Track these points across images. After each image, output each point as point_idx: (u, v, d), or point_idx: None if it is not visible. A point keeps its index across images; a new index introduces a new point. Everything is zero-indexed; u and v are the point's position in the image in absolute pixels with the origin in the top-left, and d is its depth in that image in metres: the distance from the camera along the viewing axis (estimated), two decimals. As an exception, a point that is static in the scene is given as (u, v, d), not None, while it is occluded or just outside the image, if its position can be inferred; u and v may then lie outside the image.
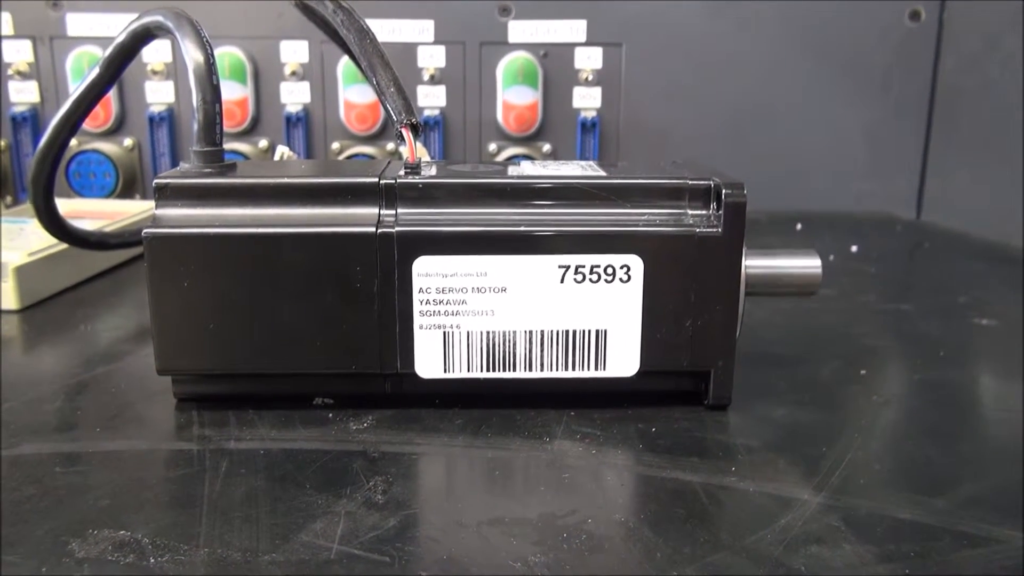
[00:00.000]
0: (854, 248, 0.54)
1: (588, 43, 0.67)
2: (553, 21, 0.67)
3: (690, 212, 0.29)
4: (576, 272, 0.28)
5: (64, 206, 0.39)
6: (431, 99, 0.67)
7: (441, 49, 0.67)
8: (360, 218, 0.28)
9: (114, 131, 0.67)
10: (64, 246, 0.41)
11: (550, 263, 0.28)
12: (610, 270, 0.28)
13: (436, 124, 0.67)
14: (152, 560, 0.21)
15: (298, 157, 0.65)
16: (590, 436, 0.28)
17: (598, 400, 0.30)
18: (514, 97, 0.67)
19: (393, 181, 0.28)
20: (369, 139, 0.68)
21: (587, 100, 0.68)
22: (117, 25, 0.66)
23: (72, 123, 0.35)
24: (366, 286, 0.28)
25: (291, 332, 0.28)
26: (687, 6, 0.67)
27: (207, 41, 0.31)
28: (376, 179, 0.29)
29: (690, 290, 0.28)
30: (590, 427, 0.28)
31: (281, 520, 0.23)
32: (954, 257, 0.54)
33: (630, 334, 0.29)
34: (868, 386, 0.32)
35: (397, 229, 0.28)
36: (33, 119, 0.66)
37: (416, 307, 0.28)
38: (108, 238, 0.41)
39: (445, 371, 0.29)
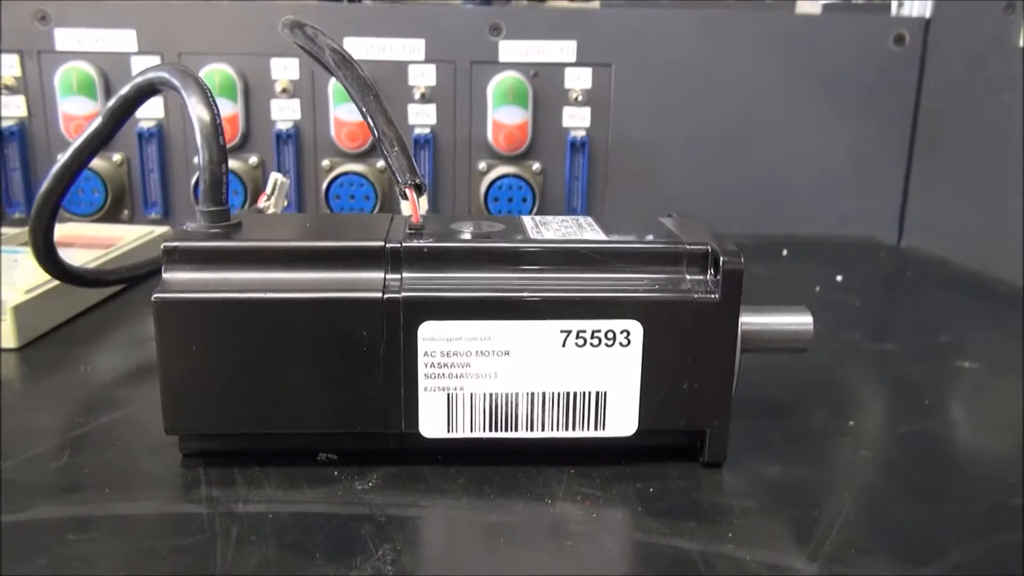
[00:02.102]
0: (839, 278, 0.55)
1: (578, 63, 0.68)
2: (543, 41, 0.67)
3: (688, 277, 0.30)
4: (578, 336, 0.29)
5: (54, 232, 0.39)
6: (421, 117, 0.68)
7: (432, 68, 0.67)
8: (366, 283, 0.29)
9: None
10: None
11: (552, 328, 0.29)
12: (611, 335, 0.29)
13: (427, 142, 0.68)
14: (171, 642, 0.21)
15: (290, 179, 0.66)
16: (590, 497, 0.29)
17: (596, 455, 0.31)
18: (504, 116, 0.67)
19: (399, 245, 0.29)
20: (359, 157, 0.68)
21: (576, 120, 0.69)
22: (106, 41, 0.66)
23: (73, 171, 0.35)
24: (372, 349, 0.29)
25: (299, 393, 0.29)
26: (676, 29, 0.68)
27: (213, 100, 0.31)
28: (382, 243, 0.29)
29: (688, 354, 0.29)
30: (590, 487, 0.29)
31: (295, 595, 0.23)
32: (935, 289, 0.56)
33: (629, 396, 0.29)
34: (856, 438, 0.33)
35: (403, 295, 0.28)
36: (21, 133, 0.66)
37: (421, 370, 0.29)
38: (105, 275, 0.42)
39: (448, 431, 0.29)
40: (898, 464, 0.32)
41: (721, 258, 0.29)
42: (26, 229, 0.52)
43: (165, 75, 0.32)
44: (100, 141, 0.34)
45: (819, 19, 0.71)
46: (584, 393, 0.29)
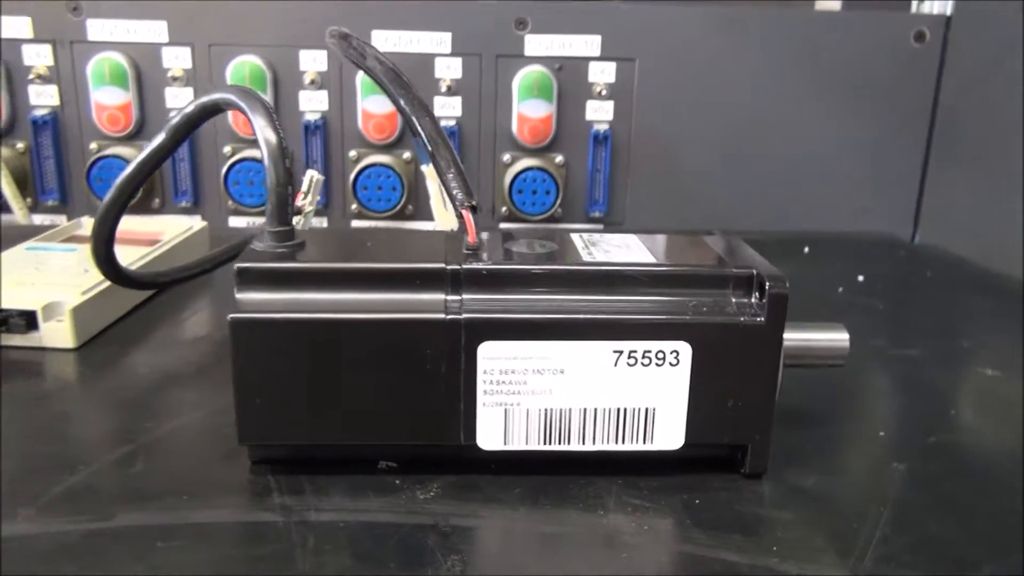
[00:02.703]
0: (861, 277, 0.56)
1: (602, 57, 0.69)
2: (568, 36, 0.68)
3: (734, 300, 0.31)
4: (629, 356, 0.30)
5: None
6: (447, 110, 0.69)
7: (458, 61, 0.68)
8: (429, 304, 0.30)
9: (134, 135, 0.68)
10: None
11: (605, 348, 0.30)
12: (660, 355, 0.30)
13: (452, 134, 0.69)
14: (268, 652, 0.23)
15: (322, 175, 0.67)
16: (640, 508, 0.30)
17: (641, 466, 0.32)
18: (529, 110, 0.68)
19: (459, 268, 0.30)
20: (386, 148, 0.69)
21: (600, 113, 0.70)
22: (137, 32, 0.67)
23: (136, 184, 0.36)
24: (435, 367, 0.30)
25: (364, 407, 0.31)
26: (699, 24, 0.69)
27: (278, 123, 0.32)
28: (443, 265, 0.30)
29: (733, 373, 0.31)
30: (639, 498, 0.31)
31: (375, 606, 0.25)
32: (955, 290, 0.57)
33: (677, 412, 0.31)
34: (887, 449, 0.35)
35: (464, 316, 0.30)
36: (53, 122, 0.67)
37: (480, 386, 0.30)
38: (159, 277, 0.43)
39: (505, 444, 0.31)
40: (929, 475, 0.33)
41: (767, 283, 0.30)
42: (59, 228, 0.53)
43: (231, 97, 0.33)
44: (163, 156, 0.36)
45: (839, 16, 0.72)
46: (634, 409, 0.31)
